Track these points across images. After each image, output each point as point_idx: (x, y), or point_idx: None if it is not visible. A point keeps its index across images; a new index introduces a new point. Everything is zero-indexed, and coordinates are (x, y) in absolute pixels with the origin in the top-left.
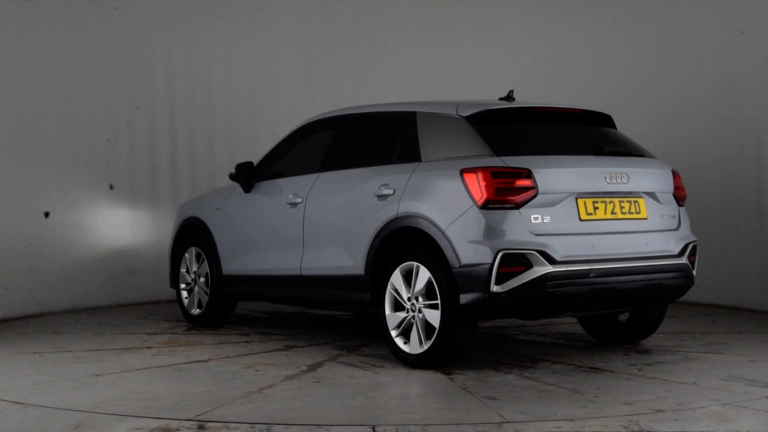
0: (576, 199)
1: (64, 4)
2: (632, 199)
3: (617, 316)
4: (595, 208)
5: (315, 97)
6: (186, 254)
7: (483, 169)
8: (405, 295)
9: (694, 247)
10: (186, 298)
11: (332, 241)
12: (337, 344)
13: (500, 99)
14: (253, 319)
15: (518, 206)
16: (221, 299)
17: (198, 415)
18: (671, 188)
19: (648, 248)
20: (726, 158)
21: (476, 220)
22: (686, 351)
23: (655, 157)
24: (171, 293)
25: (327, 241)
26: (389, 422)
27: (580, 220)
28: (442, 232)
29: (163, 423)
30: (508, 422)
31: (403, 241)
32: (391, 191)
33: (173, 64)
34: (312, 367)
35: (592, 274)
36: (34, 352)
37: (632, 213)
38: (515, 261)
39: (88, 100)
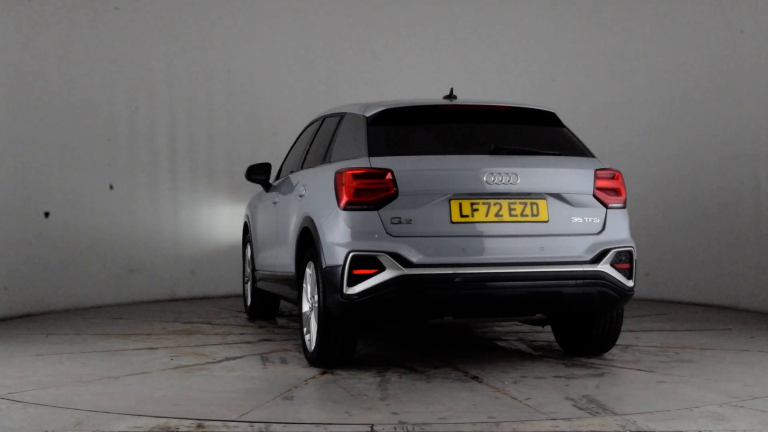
0: (449, 200)
1: (64, 4)
2: (530, 201)
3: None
4: (474, 210)
5: (315, 97)
6: (245, 250)
7: (348, 170)
8: (309, 295)
9: (623, 253)
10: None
11: (283, 240)
12: None
13: (444, 97)
14: None
15: (377, 207)
16: (259, 293)
17: (9, 393)
18: (590, 189)
19: (544, 253)
20: (726, 158)
21: (337, 221)
22: (624, 368)
23: (591, 156)
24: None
25: (281, 239)
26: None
27: (452, 222)
28: (317, 233)
29: (162, 422)
30: (249, 422)
31: (309, 241)
32: (304, 192)
33: (173, 65)
34: (221, 361)
35: (457, 279)
36: (48, 334)
37: (527, 215)
38: (366, 263)
39: (88, 100)
